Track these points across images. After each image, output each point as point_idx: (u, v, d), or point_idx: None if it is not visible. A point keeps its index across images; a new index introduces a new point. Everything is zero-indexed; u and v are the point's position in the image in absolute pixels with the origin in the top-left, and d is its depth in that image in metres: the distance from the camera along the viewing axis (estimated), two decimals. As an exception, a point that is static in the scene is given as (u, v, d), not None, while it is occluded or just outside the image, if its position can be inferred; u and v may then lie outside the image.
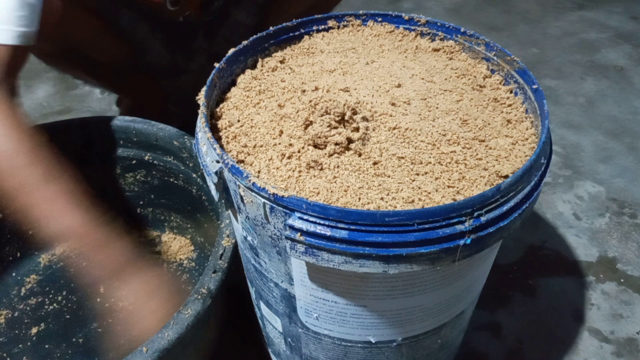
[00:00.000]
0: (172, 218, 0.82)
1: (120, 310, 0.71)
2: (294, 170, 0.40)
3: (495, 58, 0.52)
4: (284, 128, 0.44)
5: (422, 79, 0.50)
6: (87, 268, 0.57)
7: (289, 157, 0.41)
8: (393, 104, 0.46)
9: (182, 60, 0.91)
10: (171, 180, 0.76)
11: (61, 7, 0.68)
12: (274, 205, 0.36)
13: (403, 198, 0.38)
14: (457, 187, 0.39)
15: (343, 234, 0.34)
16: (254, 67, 0.54)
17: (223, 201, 0.43)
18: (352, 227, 0.34)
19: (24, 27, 0.57)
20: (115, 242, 0.57)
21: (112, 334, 0.68)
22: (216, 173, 0.39)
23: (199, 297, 0.51)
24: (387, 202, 0.37)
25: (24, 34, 0.58)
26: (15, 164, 0.55)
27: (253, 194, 0.37)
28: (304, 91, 0.47)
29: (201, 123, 0.43)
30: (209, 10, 0.83)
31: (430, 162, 0.41)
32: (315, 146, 0.42)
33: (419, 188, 0.39)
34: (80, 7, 0.73)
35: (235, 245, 0.56)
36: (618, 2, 1.60)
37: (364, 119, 0.43)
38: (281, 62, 0.55)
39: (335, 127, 0.42)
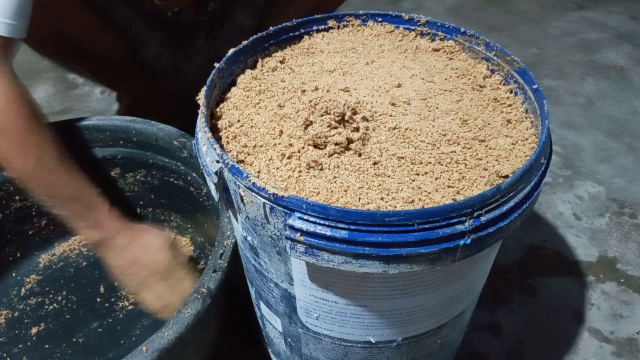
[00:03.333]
0: (172, 218, 0.82)
1: (121, 309, 0.71)
2: (294, 170, 0.40)
3: (495, 58, 0.52)
4: (284, 128, 0.44)
5: (422, 79, 0.50)
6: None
7: (289, 157, 0.41)
8: (393, 104, 0.46)
9: (181, 61, 0.91)
10: (171, 180, 0.76)
11: None
12: (274, 205, 0.36)
13: (403, 198, 0.38)
14: (457, 187, 0.39)
15: (343, 234, 0.34)
16: (254, 67, 0.54)
17: (223, 201, 0.43)
18: (352, 227, 0.34)
19: (14, 20, 0.57)
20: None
21: (112, 334, 0.68)
22: (216, 173, 0.39)
23: (199, 296, 0.51)
24: (387, 202, 0.37)
25: (14, 27, 0.58)
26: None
27: (253, 194, 0.37)
28: (304, 91, 0.47)
29: (201, 123, 0.43)
30: (204, 9, 0.83)
31: (430, 162, 0.41)
32: (315, 146, 0.42)
33: (419, 188, 0.39)
34: None
35: (235, 245, 0.56)
36: (618, 2, 1.60)
37: (364, 119, 0.43)
38: (281, 62, 0.55)
39: (335, 127, 0.42)
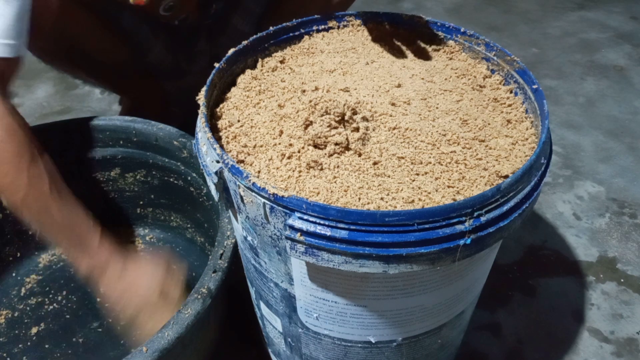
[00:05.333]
0: (172, 218, 0.82)
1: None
2: (294, 170, 0.40)
3: (495, 58, 0.52)
4: (284, 128, 0.44)
5: (422, 79, 0.50)
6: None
7: (289, 157, 0.41)
8: (393, 104, 0.46)
9: (184, 62, 0.91)
10: (171, 180, 0.76)
11: (58, 2, 0.67)
12: (274, 205, 0.36)
13: (403, 198, 0.38)
14: (457, 187, 0.39)
15: (343, 234, 0.34)
16: (254, 67, 0.54)
17: (223, 201, 0.43)
18: (352, 227, 0.34)
19: (14, 39, 0.56)
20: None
21: (112, 334, 0.68)
22: (216, 173, 0.39)
23: (199, 296, 0.51)
24: (387, 202, 0.37)
25: (15, 46, 0.57)
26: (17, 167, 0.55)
27: (253, 194, 0.37)
28: (304, 91, 0.47)
29: (201, 123, 0.43)
30: (207, 13, 0.83)
31: (430, 162, 0.41)
32: (315, 146, 0.42)
33: (419, 188, 0.39)
34: (79, 5, 0.73)
35: (235, 245, 0.56)
36: (618, 2, 1.60)
37: (364, 119, 0.43)
38: (281, 62, 0.55)
39: (335, 127, 0.42)
